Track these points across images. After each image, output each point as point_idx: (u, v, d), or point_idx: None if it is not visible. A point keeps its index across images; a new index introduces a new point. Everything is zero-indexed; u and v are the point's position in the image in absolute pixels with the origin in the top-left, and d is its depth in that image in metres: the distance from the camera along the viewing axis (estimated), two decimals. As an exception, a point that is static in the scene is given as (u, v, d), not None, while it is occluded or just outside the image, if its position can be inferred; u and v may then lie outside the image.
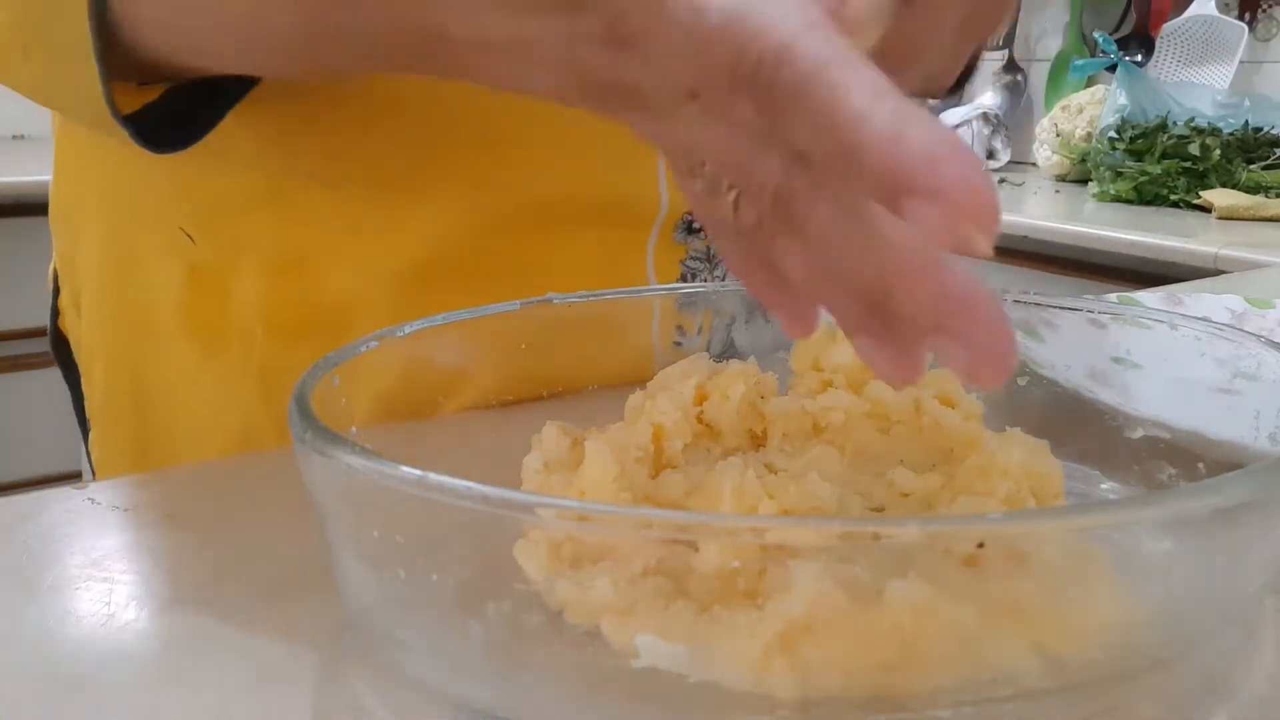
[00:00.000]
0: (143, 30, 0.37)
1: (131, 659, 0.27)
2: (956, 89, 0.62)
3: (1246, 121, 1.56)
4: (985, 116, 1.92)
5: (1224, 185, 1.50)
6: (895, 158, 0.20)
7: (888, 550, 0.21)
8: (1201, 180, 1.51)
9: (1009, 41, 2.06)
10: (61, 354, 0.60)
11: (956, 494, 0.29)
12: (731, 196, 0.26)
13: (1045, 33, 2.06)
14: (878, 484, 0.31)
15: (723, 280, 0.55)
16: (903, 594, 0.21)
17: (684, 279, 0.54)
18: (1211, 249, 1.20)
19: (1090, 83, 1.88)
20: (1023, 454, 0.29)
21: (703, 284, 0.54)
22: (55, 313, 0.60)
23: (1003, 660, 0.22)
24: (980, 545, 0.22)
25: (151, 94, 0.41)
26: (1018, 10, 2.01)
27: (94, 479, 0.58)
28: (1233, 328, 0.36)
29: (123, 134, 0.39)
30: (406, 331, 0.35)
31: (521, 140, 0.48)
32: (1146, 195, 1.54)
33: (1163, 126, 1.58)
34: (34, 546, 0.33)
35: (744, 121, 0.23)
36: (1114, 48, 1.74)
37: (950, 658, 0.22)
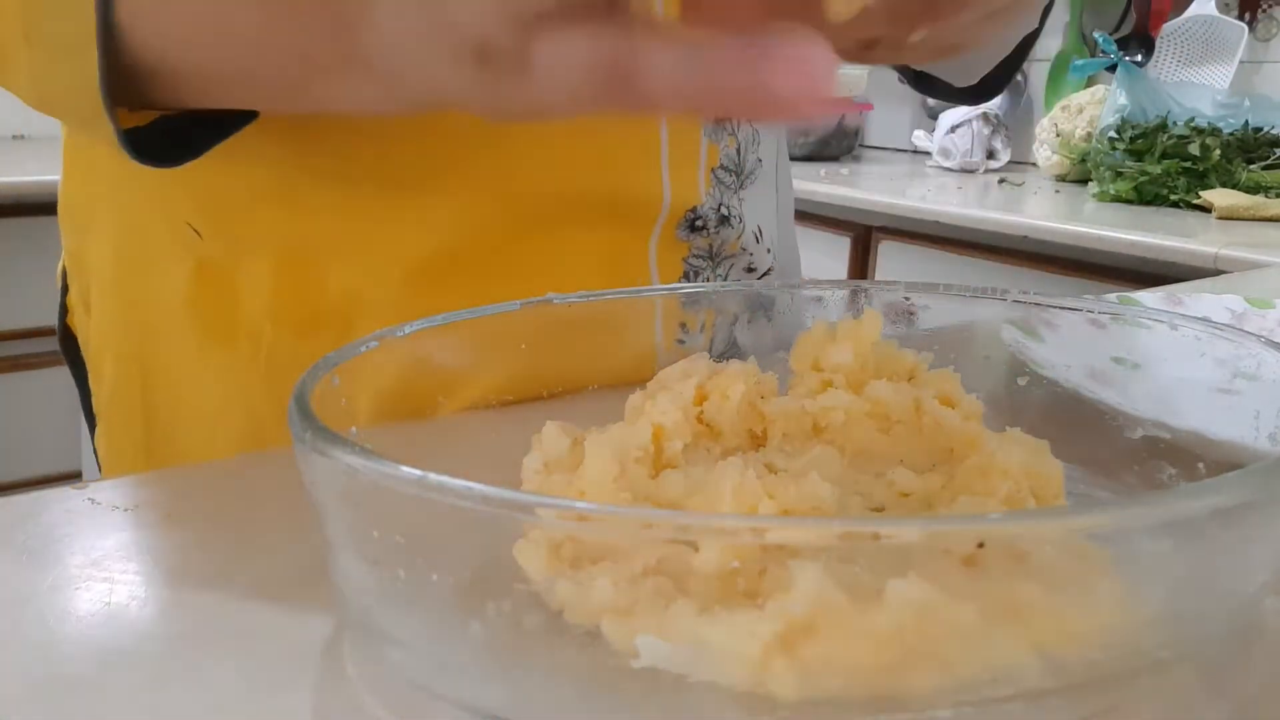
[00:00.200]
0: (140, 21, 0.37)
1: (131, 659, 0.27)
2: (990, 91, 0.62)
3: (1246, 121, 1.56)
4: (985, 116, 1.93)
5: (1224, 185, 1.50)
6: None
7: (888, 550, 0.21)
8: (1201, 180, 1.51)
9: (1009, 41, 2.05)
10: (70, 351, 0.60)
11: (956, 494, 0.29)
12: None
13: (1045, 33, 2.06)
14: (878, 484, 0.31)
15: (725, 277, 0.55)
16: (903, 594, 0.21)
17: (686, 276, 0.54)
18: (1211, 249, 1.20)
19: (1090, 83, 1.88)
20: (1023, 454, 0.29)
21: (703, 284, 0.54)
22: (64, 310, 0.60)
23: (1003, 660, 0.22)
24: (980, 545, 0.22)
25: (145, 118, 0.42)
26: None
27: (100, 474, 0.58)
28: (1233, 328, 0.36)
29: (112, 136, 0.39)
30: (406, 331, 0.35)
31: (527, 137, 0.49)
32: (1146, 195, 1.54)
33: (1163, 126, 1.58)
34: (34, 546, 0.33)
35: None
36: (1114, 48, 1.74)
37: (950, 658, 0.22)
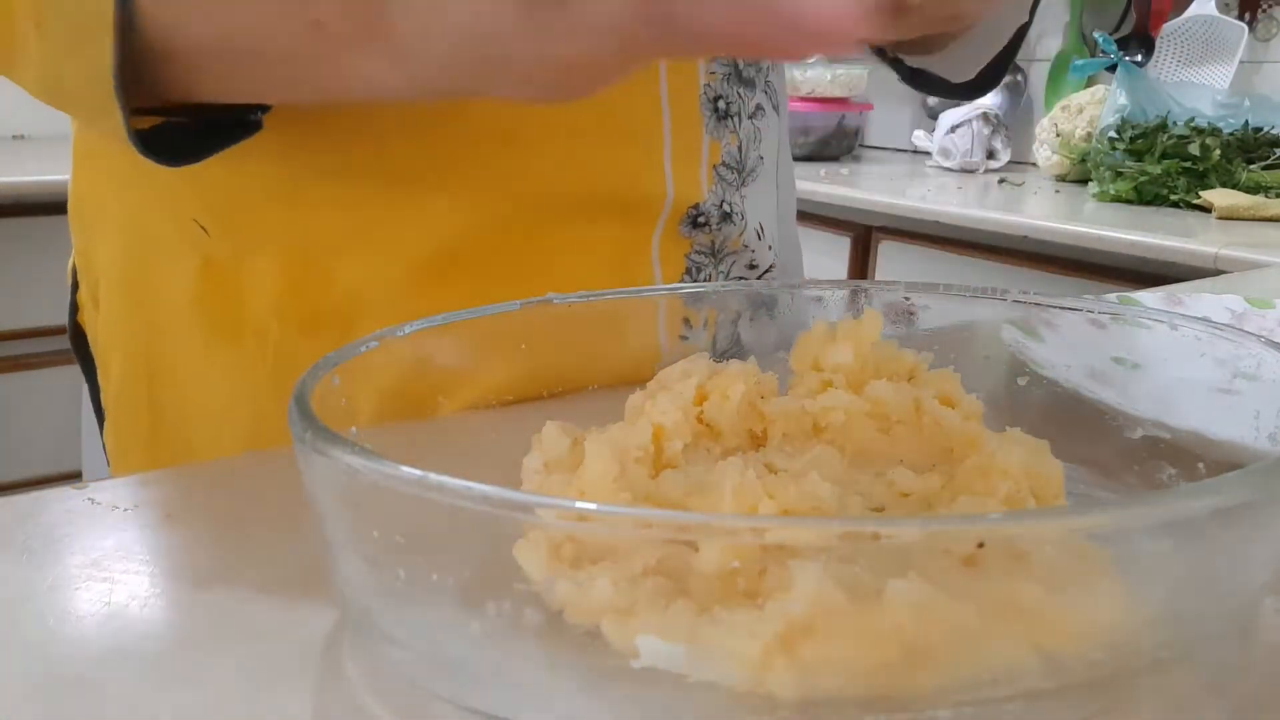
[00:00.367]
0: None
1: (131, 659, 0.27)
2: (985, 87, 0.62)
3: (1246, 121, 1.56)
4: (985, 116, 1.93)
5: (1224, 185, 1.50)
6: None
7: (888, 550, 0.21)
8: (1201, 180, 1.51)
9: (1009, 41, 2.05)
10: (80, 348, 0.60)
11: (956, 494, 0.29)
12: None
13: (1045, 33, 2.06)
14: (878, 484, 0.31)
15: (727, 274, 0.55)
16: (903, 594, 0.21)
17: (688, 272, 0.54)
18: (1211, 249, 1.20)
19: (1090, 83, 1.88)
20: (1023, 454, 0.29)
21: (704, 283, 0.54)
22: (74, 307, 0.60)
23: (1003, 660, 0.22)
24: (980, 545, 0.22)
25: (151, 123, 0.42)
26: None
27: (109, 469, 0.58)
28: (1233, 328, 0.36)
29: (120, 128, 0.39)
30: (406, 331, 0.35)
31: (531, 134, 0.49)
32: (1146, 195, 1.54)
33: (1163, 126, 1.58)
34: (34, 546, 0.33)
35: None
36: (1114, 48, 1.74)
37: (950, 658, 0.22)
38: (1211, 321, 0.37)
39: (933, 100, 2.18)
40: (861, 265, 1.65)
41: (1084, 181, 1.71)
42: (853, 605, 0.21)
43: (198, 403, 0.53)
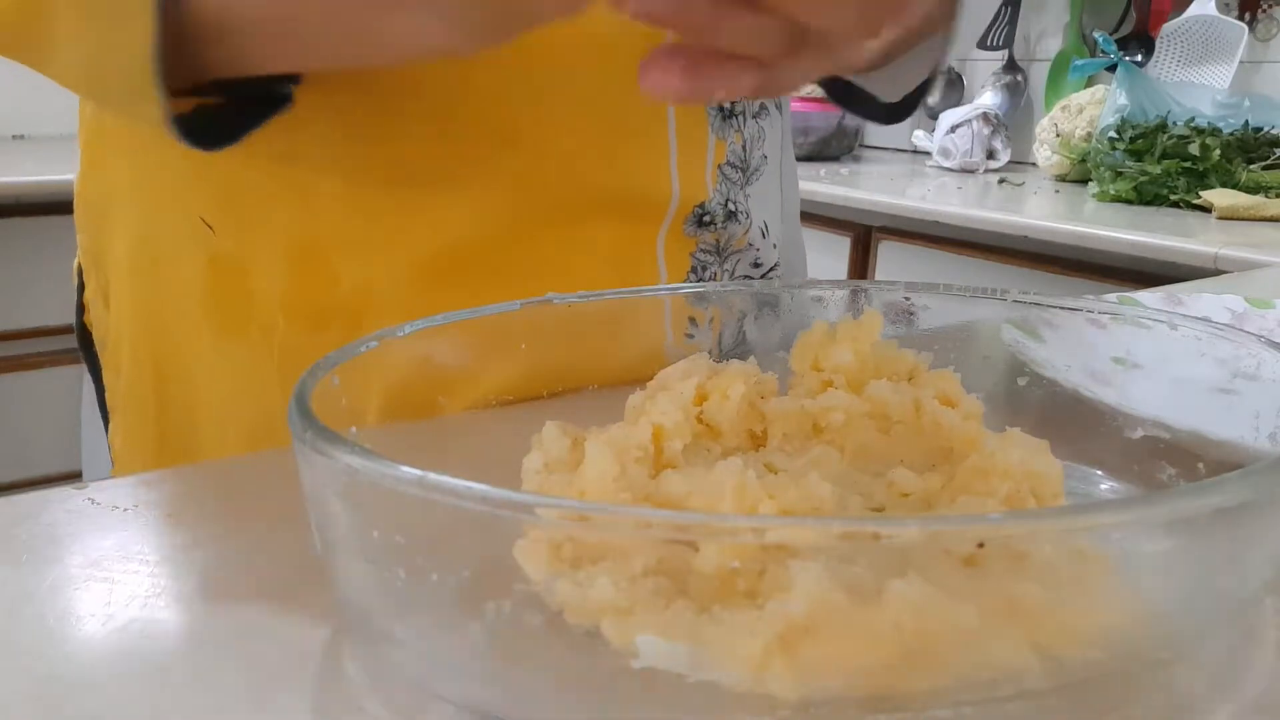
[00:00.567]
0: None
1: (131, 659, 0.27)
2: (904, 113, 0.62)
3: (1246, 121, 1.56)
4: (985, 116, 1.92)
5: (1224, 185, 1.50)
6: None
7: (888, 550, 0.21)
8: (1201, 180, 1.51)
9: (1009, 41, 2.06)
10: (86, 348, 0.60)
11: (956, 494, 0.29)
12: None
13: (1045, 33, 2.06)
14: (878, 484, 0.31)
15: (731, 273, 0.55)
16: (903, 594, 0.21)
17: (694, 271, 0.54)
18: (1211, 249, 1.20)
19: (1090, 83, 1.88)
20: (1023, 454, 0.29)
21: (706, 283, 0.54)
22: (80, 308, 0.60)
23: (1003, 660, 0.22)
24: (980, 545, 0.22)
25: (184, 107, 0.42)
26: (1017, 9, 2.01)
27: (113, 469, 0.58)
28: (1233, 328, 0.36)
29: (158, 112, 0.39)
30: (407, 331, 0.35)
31: (537, 133, 0.49)
32: (1146, 195, 1.54)
33: (1163, 126, 1.58)
34: (34, 546, 0.33)
35: None
36: (1114, 48, 1.74)
37: (950, 658, 0.22)
38: (1211, 321, 0.37)
39: (933, 100, 2.18)
40: (861, 265, 1.65)
41: (1084, 181, 1.71)
42: (853, 605, 0.21)
43: (205, 400, 0.53)
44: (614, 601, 0.23)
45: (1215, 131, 1.54)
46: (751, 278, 0.56)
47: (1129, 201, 1.55)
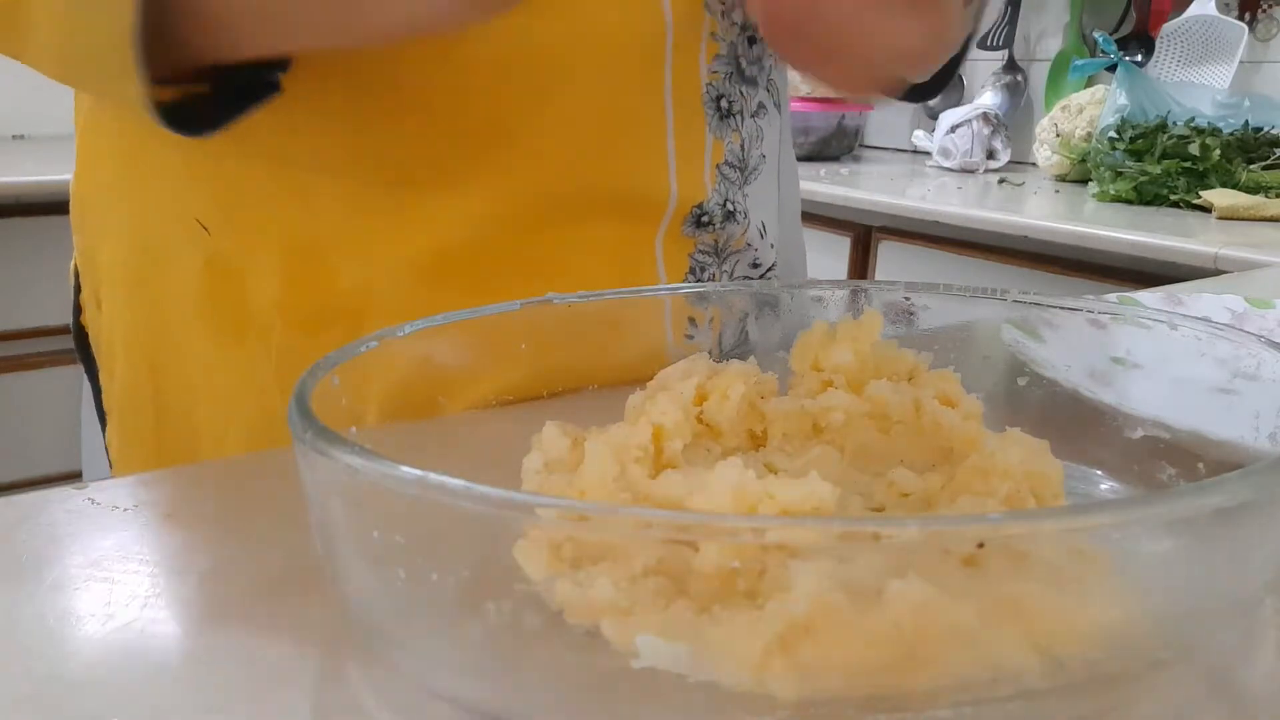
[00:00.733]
0: None
1: (131, 659, 0.27)
2: (930, 93, 0.62)
3: (1246, 121, 1.56)
4: (985, 116, 1.92)
5: (1224, 185, 1.50)
6: None
7: (888, 550, 0.21)
8: (1201, 180, 1.51)
9: (1009, 41, 2.06)
10: (83, 349, 0.60)
11: (956, 494, 0.29)
12: None
13: (1045, 33, 2.06)
14: (878, 484, 0.31)
15: (730, 273, 0.55)
16: (903, 594, 0.21)
17: (692, 272, 0.54)
18: (1211, 249, 1.20)
19: (1090, 83, 1.88)
20: (1023, 454, 0.29)
21: (706, 283, 0.54)
22: (77, 309, 0.60)
23: (1003, 660, 0.22)
24: (980, 545, 0.22)
25: (170, 93, 0.41)
26: (1017, 9, 2.02)
27: (110, 471, 0.58)
28: (1233, 328, 0.36)
29: (138, 96, 0.39)
30: (406, 331, 0.35)
31: (536, 132, 0.49)
32: (1146, 195, 1.54)
33: (1163, 126, 1.58)
34: (34, 546, 0.33)
35: None
36: (1114, 48, 1.74)
37: (950, 658, 0.22)
38: (1211, 321, 0.37)
39: (932, 100, 2.18)
40: (861, 265, 1.65)
41: (1084, 181, 1.71)
42: (853, 605, 0.21)
43: (202, 402, 0.53)
44: (614, 601, 0.23)
45: (1215, 131, 1.54)
46: (750, 278, 0.56)
47: (1129, 201, 1.55)
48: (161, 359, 0.54)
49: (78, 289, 0.60)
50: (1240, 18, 1.76)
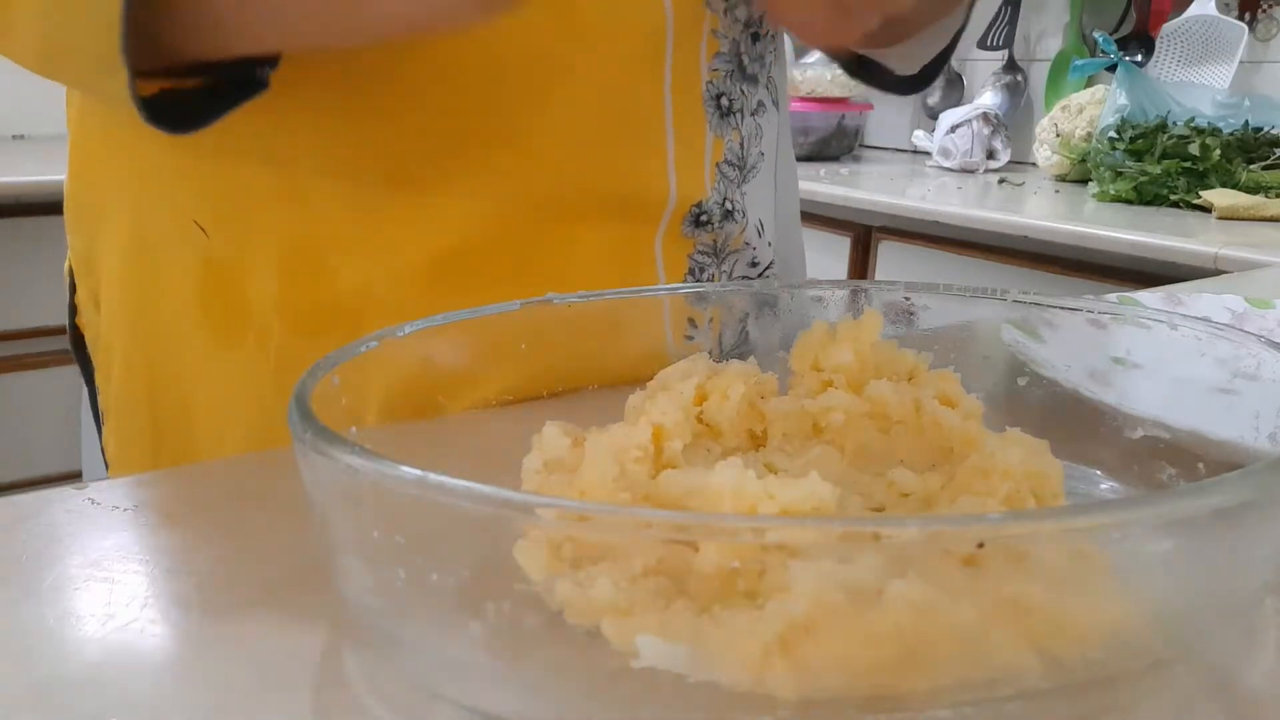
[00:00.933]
0: None
1: (131, 659, 0.27)
2: (926, 81, 0.63)
3: (1246, 121, 1.56)
4: (985, 116, 1.92)
5: (1224, 185, 1.50)
6: None
7: (888, 550, 0.21)
8: (1201, 180, 1.51)
9: (1009, 41, 2.06)
10: (79, 351, 0.60)
11: (956, 494, 0.29)
12: None
13: (1045, 33, 2.06)
14: (878, 484, 0.31)
15: (729, 273, 0.55)
16: (903, 594, 0.21)
17: (691, 273, 0.54)
18: (1211, 249, 1.20)
19: (1090, 83, 1.88)
20: (1023, 454, 0.29)
21: (706, 283, 0.54)
22: (73, 310, 0.60)
23: (1003, 660, 0.22)
24: (980, 545, 0.21)
25: (154, 87, 0.41)
26: (1017, 9, 2.02)
27: (107, 473, 0.58)
28: (1233, 328, 0.36)
29: (123, 91, 0.39)
30: (406, 331, 0.35)
31: (534, 133, 0.49)
32: (1146, 195, 1.54)
33: (1163, 126, 1.58)
34: (34, 546, 0.33)
35: None
36: (1114, 48, 1.74)
37: (950, 658, 0.22)
38: (1211, 321, 0.37)
39: (932, 100, 2.18)
40: (861, 265, 1.65)
41: (1084, 181, 1.71)
42: (853, 605, 0.21)
43: (200, 405, 0.53)
44: (614, 601, 0.23)
45: (1215, 131, 1.54)
46: (749, 277, 0.56)
47: (1129, 201, 1.55)
48: (159, 360, 0.54)
49: (73, 290, 0.60)
50: (1240, 18, 1.76)
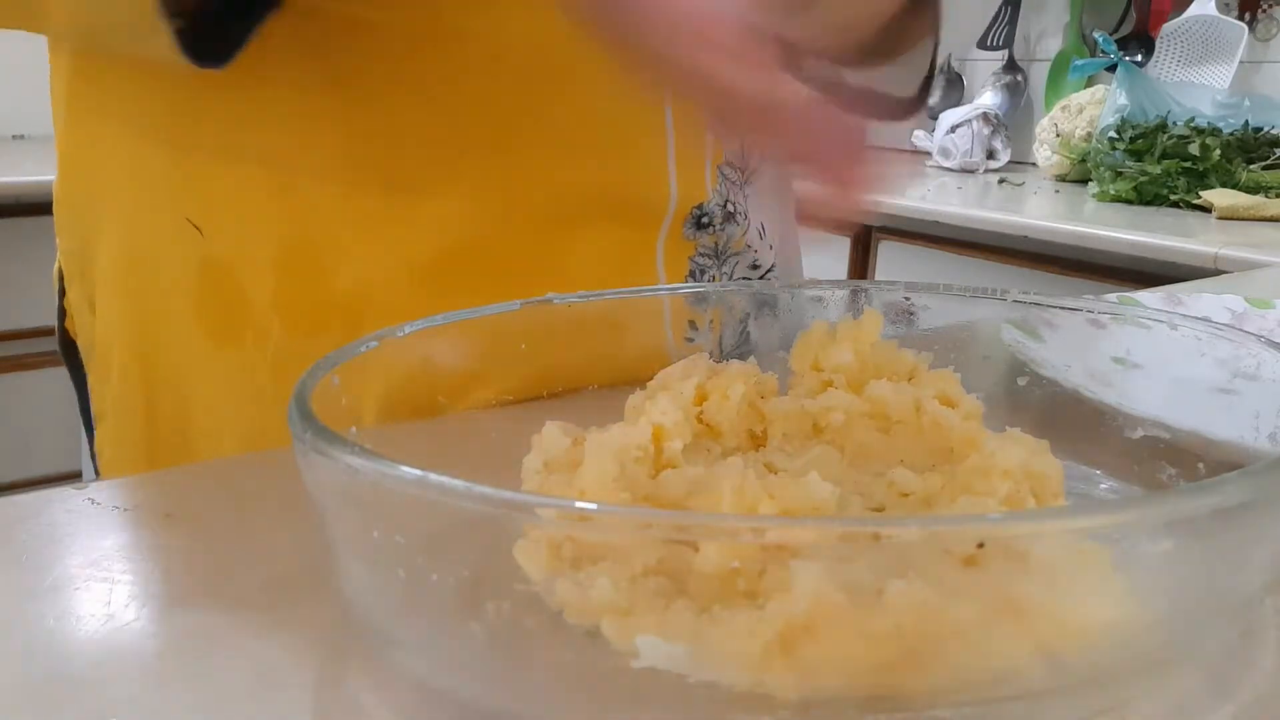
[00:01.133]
0: None
1: (131, 659, 0.27)
2: (917, 106, 0.62)
3: (1246, 121, 1.56)
4: (985, 116, 1.92)
5: (1224, 185, 1.50)
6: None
7: (888, 550, 0.21)
8: (1201, 180, 1.51)
9: (1009, 41, 2.06)
10: (70, 355, 0.60)
11: (956, 494, 0.29)
12: None
13: (1045, 33, 2.06)
14: (878, 484, 0.31)
15: (730, 275, 0.55)
16: (903, 594, 0.21)
17: (692, 275, 0.54)
18: (1211, 249, 1.20)
19: (1090, 83, 1.88)
20: (1023, 454, 0.29)
21: (706, 284, 0.54)
22: (62, 313, 0.60)
23: (1003, 660, 0.22)
24: (980, 545, 0.22)
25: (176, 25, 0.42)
26: (1017, 9, 2.02)
27: (97, 478, 0.58)
28: (1233, 328, 0.36)
29: (172, 52, 0.39)
30: (406, 331, 0.35)
31: (534, 134, 0.49)
32: (1146, 195, 1.54)
33: (1163, 126, 1.58)
34: (34, 546, 0.33)
35: None
36: (1114, 48, 1.74)
37: (950, 658, 0.22)
38: (1211, 321, 0.37)
39: (932, 100, 2.18)
40: (861, 265, 1.65)
41: (1084, 181, 1.71)
42: (853, 605, 0.21)
43: (198, 407, 0.53)
44: (614, 601, 0.23)
45: (1215, 131, 1.54)
46: (750, 280, 0.56)
47: (1129, 201, 1.55)
48: (156, 361, 0.54)
49: (62, 293, 0.60)
50: (1240, 18, 1.76)
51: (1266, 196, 1.46)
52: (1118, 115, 1.64)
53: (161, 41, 0.39)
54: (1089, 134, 1.73)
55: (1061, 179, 1.79)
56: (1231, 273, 1.13)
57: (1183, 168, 1.52)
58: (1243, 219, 1.42)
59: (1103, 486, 0.36)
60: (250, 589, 0.31)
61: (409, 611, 0.26)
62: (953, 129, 1.94)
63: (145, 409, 0.55)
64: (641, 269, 0.52)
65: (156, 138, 0.41)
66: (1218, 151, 1.51)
